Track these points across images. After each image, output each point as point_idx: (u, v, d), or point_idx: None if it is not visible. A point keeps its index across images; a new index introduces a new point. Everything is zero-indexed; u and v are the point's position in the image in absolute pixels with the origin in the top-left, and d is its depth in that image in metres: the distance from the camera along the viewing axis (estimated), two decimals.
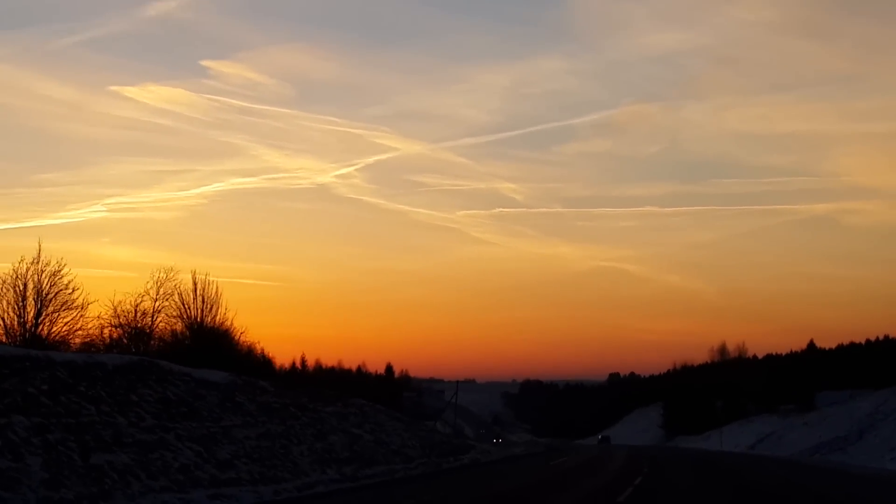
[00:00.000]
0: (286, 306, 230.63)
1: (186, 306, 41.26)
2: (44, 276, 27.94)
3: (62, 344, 31.59)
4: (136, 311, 32.50)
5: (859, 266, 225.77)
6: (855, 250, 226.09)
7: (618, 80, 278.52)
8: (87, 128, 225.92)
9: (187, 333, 41.16)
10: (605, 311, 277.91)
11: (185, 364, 32.90)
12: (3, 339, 27.73)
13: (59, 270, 29.56)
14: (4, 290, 27.34)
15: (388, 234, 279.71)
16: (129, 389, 22.00)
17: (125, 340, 36.57)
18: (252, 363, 42.28)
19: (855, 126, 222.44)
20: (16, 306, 27.62)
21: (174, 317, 41.06)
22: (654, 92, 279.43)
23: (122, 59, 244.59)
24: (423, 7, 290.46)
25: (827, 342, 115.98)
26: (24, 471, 14.75)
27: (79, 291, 29.40)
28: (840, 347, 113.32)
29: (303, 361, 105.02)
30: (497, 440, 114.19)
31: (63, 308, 31.01)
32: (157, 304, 32.94)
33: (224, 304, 41.22)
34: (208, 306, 41.80)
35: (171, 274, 33.40)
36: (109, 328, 35.19)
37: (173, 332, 40.46)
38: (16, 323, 27.78)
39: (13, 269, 27.60)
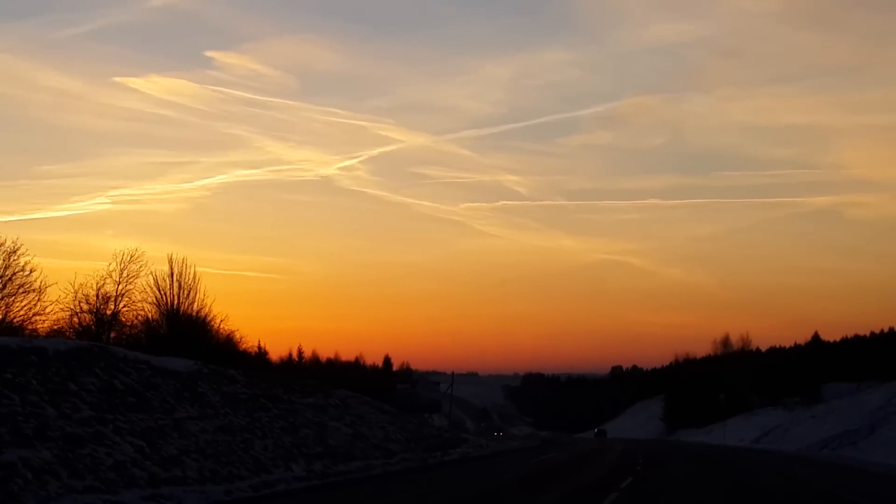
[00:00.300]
0: (289, 299, 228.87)
1: (162, 292, 39.35)
2: None
3: (19, 329, 29.58)
4: (98, 295, 30.26)
5: (862, 259, 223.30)
6: (858, 243, 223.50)
7: (621, 71, 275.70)
8: (91, 119, 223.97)
9: (161, 320, 39.23)
10: (608, 304, 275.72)
11: (157, 352, 30.96)
12: None
13: (16, 251, 27.55)
14: None
15: (391, 227, 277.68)
16: (69, 377, 19.90)
17: (94, 327, 34.56)
18: (230, 352, 40.20)
19: (859, 118, 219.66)
20: None
21: (150, 303, 39.25)
22: (658, 84, 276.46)
23: (125, 50, 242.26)
24: (425, 0, 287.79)
25: (830, 335, 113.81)
26: None
27: (37, 274, 27.38)
28: (845, 340, 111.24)
29: (300, 353, 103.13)
30: (498, 433, 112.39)
31: (20, 291, 29.04)
32: (121, 287, 30.68)
33: (203, 290, 39.28)
34: (185, 292, 39.88)
35: (136, 256, 31.21)
36: (79, 314, 33.16)
37: (147, 318, 38.51)
38: None
39: None
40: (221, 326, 40.63)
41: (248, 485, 19.49)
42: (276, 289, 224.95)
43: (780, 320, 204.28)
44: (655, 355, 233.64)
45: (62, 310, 28.81)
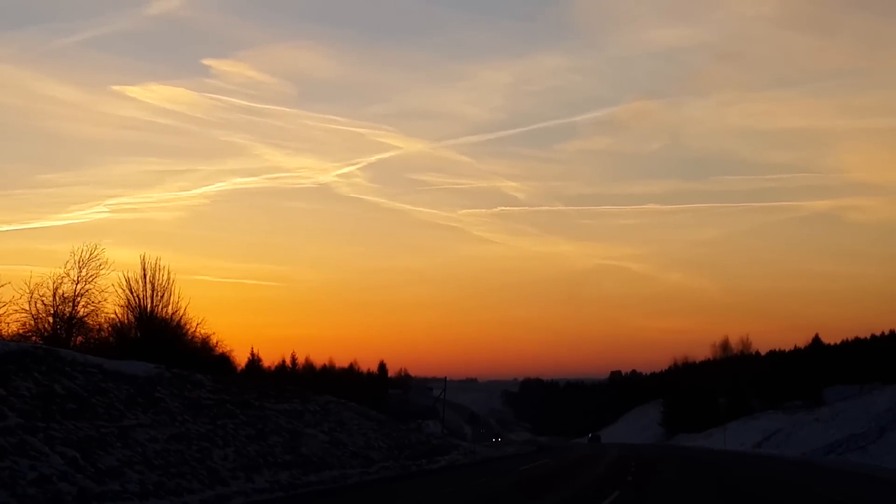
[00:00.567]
0: (288, 306, 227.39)
1: (134, 294, 37.50)
2: None
3: None
4: (55, 295, 28.32)
5: (862, 262, 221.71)
6: (857, 246, 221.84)
7: (620, 76, 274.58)
8: (89, 128, 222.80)
9: (132, 323, 37.36)
10: (607, 309, 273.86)
11: (127, 357, 29.08)
12: None
13: None
14: None
15: (389, 233, 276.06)
16: (0, 382, 17.97)
17: (56, 331, 32.62)
18: (205, 357, 38.28)
19: (858, 122, 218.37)
20: None
21: (121, 305, 37.41)
22: (656, 88, 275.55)
23: (123, 59, 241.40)
24: (424, 4, 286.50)
25: (831, 338, 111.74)
26: None
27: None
28: (847, 343, 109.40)
29: (293, 359, 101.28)
30: (496, 439, 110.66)
31: None
32: (79, 287, 28.72)
33: (177, 292, 37.47)
34: (158, 294, 38.03)
35: (95, 252, 29.26)
36: (36, 317, 31.19)
37: (117, 322, 36.63)
38: None
39: None
40: (197, 330, 38.75)
41: (198, 499, 17.60)
42: (275, 296, 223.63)
43: (780, 324, 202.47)
44: (655, 360, 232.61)
45: (16, 311, 26.73)
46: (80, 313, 28.67)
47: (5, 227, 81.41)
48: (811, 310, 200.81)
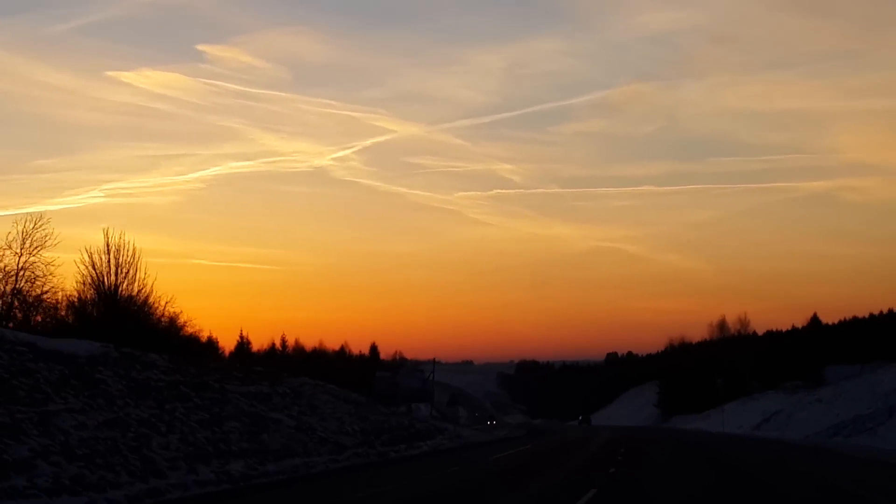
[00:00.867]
0: (284, 290, 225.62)
1: (98, 271, 35.27)
2: None
3: None
4: None
5: (858, 243, 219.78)
6: (853, 227, 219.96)
7: (614, 59, 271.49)
8: (84, 113, 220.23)
9: (94, 301, 35.16)
10: (603, 291, 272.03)
11: (88, 337, 26.94)
12: None
13: None
14: None
15: (385, 217, 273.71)
16: None
17: (16, 311, 30.33)
18: (171, 337, 36.03)
19: (853, 103, 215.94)
20: None
21: (82, 283, 35.22)
22: (651, 71, 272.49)
23: (117, 45, 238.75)
24: None
25: (828, 318, 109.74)
26: None
27: None
28: (846, 322, 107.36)
29: (283, 342, 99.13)
30: (491, 422, 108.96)
31: None
32: (22, 260, 26.33)
33: (143, 269, 35.27)
34: (123, 271, 35.80)
35: (40, 224, 26.85)
36: None
37: (78, 299, 34.42)
38: None
39: None
40: (165, 310, 36.51)
41: (124, 494, 15.33)
42: (271, 280, 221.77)
43: (777, 305, 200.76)
44: (651, 341, 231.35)
45: None
46: (25, 288, 26.20)
47: (1, 213, 79.84)
48: (807, 290, 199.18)
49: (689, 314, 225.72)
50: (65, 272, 47.19)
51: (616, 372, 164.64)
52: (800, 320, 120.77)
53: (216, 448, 20.87)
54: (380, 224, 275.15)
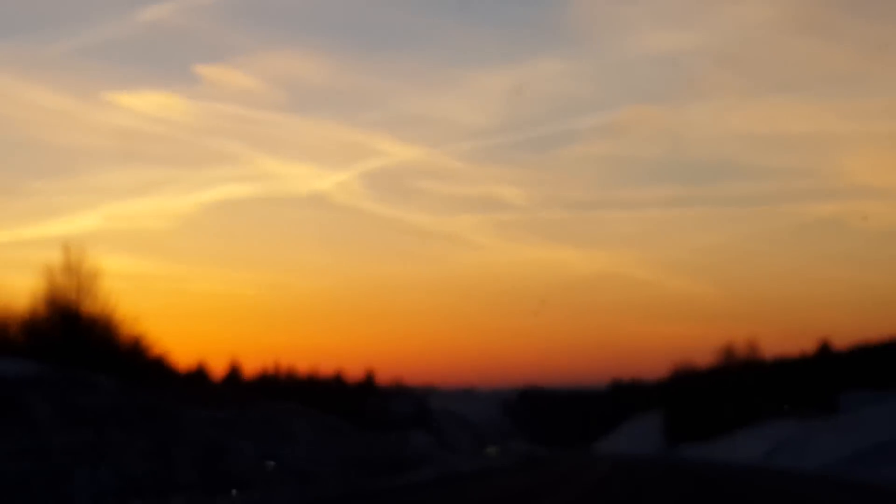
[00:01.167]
0: (282, 314, 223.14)
1: (55, 290, 32.99)
2: None
3: None
4: None
5: (866, 268, 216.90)
6: (861, 251, 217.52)
7: (619, 81, 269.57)
8: (80, 136, 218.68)
9: (50, 320, 32.79)
10: (609, 316, 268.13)
11: (42, 358, 24.60)
12: None
13: None
14: None
15: (386, 241, 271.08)
16: None
17: None
18: (138, 362, 33.52)
19: (861, 126, 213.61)
20: None
21: (40, 302, 32.94)
22: (656, 93, 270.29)
23: (114, 66, 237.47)
24: (419, 10, 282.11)
25: (838, 343, 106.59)
26: None
27: None
28: (859, 347, 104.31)
29: (276, 368, 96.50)
30: (491, 450, 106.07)
31: None
32: None
33: (107, 289, 32.99)
34: (83, 289, 33.50)
35: None
36: None
37: (28, 318, 32.08)
38: None
39: None
40: (129, 330, 34.07)
41: None
42: (268, 304, 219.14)
43: (785, 330, 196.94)
44: (657, 367, 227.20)
45: None
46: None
47: None
48: (816, 315, 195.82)
49: (695, 339, 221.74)
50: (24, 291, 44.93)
51: (621, 398, 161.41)
52: (809, 345, 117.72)
53: (157, 481, 18.37)
54: (380, 248, 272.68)
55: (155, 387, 26.84)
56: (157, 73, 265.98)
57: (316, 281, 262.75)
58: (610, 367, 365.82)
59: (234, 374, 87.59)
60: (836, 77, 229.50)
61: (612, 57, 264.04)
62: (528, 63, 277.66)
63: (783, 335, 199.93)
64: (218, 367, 76.77)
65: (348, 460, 29.53)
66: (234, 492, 19.79)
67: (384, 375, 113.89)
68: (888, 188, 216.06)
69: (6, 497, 13.97)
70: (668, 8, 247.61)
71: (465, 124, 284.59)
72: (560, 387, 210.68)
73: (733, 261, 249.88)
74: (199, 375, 57.39)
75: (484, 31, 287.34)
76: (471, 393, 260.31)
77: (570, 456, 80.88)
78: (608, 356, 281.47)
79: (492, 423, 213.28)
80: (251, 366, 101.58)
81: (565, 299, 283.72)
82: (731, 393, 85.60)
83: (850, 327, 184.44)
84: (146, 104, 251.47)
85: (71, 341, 30.76)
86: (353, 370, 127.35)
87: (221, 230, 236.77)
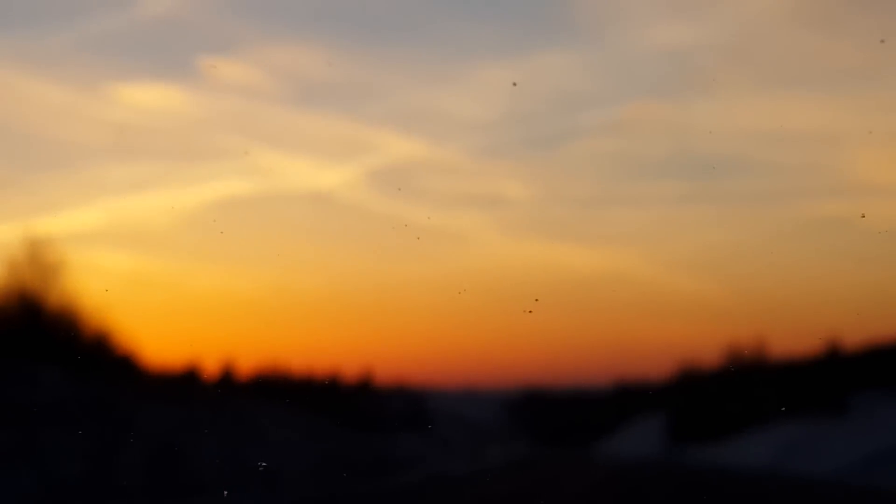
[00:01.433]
0: (285, 313, 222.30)
1: (13, 275, 30.98)
2: None
3: None
4: None
5: (878, 267, 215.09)
6: (872, 251, 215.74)
7: (625, 76, 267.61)
8: (80, 129, 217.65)
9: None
10: (613, 315, 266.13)
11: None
12: None
13: None
14: None
15: (388, 238, 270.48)
16: None
17: None
18: (104, 359, 31.48)
19: (874, 122, 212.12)
20: None
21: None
22: (663, 88, 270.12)
23: (114, 59, 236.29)
24: (422, 3, 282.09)
25: (848, 344, 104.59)
26: None
27: None
28: (871, 348, 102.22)
29: (270, 367, 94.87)
30: (490, 451, 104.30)
31: None
32: None
33: (70, 276, 30.95)
34: (46, 277, 31.49)
35: None
36: None
37: None
38: None
39: None
40: (94, 323, 32.01)
41: None
42: (270, 302, 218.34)
43: (794, 330, 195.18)
44: (661, 367, 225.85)
45: None
46: None
47: None
48: (826, 315, 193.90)
49: (702, 339, 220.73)
50: None
51: (624, 399, 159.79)
52: (817, 345, 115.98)
53: (94, 486, 16.27)
54: (382, 245, 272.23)
55: (112, 382, 24.73)
56: (159, 65, 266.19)
57: (316, 278, 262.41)
58: (613, 367, 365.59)
59: (226, 373, 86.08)
60: (848, 72, 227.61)
61: (618, 51, 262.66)
62: (532, 57, 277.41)
63: (793, 334, 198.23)
64: (211, 366, 75.21)
65: (326, 462, 27.45)
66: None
67: (383, 375, 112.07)
68: None
69: None
70: (674, 1, 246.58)
71: (467, 119, 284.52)
72: (563, 386, 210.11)
73: (741, 259, 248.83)
74: (185, 373, 55.46)
75: (487, 25, 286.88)
76: (470, 393, 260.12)
77: (569, 457, 79.02)
78: (611, 355, 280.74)
79: (492, 424, 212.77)
80: (248, 364, 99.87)
81: (568, 297, 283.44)
82: (737, 394, 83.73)
83: (860, 327, 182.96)
84: (147, 98, 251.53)
85: (23, 334, 28.87)
86: (351, 369, 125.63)
87: (223, 225, 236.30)
